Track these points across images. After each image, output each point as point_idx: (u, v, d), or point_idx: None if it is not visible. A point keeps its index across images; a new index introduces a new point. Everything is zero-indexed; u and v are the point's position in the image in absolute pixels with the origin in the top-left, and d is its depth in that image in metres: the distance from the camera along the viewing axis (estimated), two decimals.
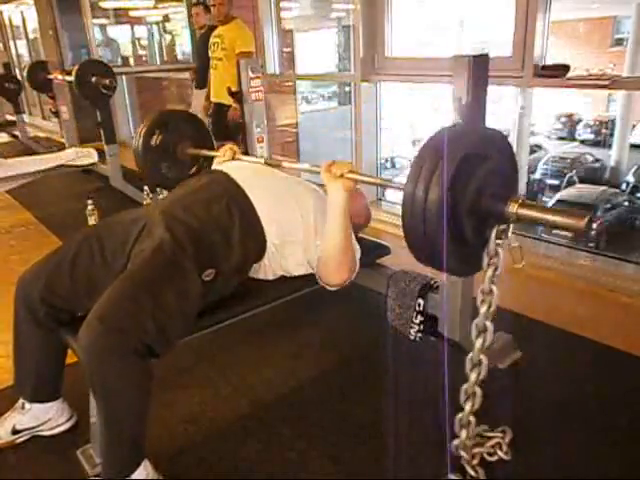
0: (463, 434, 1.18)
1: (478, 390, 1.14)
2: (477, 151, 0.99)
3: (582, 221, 0.93)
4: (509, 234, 1.03)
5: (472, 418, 1.17)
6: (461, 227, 1.00)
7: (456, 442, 1.23)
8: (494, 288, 1.08)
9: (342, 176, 1.42)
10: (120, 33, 7.85)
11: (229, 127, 3.46)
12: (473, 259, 1.07)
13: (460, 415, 1.17)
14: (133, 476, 1.23)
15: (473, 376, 1.13)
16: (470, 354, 1.12)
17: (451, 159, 0.95)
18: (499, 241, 1.04)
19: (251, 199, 1.49)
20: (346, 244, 1.47)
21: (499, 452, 1.34)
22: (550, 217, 0.98)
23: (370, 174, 1.44)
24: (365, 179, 1.48)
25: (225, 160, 1.83)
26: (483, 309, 1.09)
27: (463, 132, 1.05)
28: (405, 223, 1.01)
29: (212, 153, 2.05)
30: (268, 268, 1.54)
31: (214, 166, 1.84)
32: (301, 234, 1.53)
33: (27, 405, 1.49)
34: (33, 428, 1.51)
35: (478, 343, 1.10)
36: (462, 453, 1.20)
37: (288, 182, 1.67)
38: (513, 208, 0.99)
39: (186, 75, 4.83)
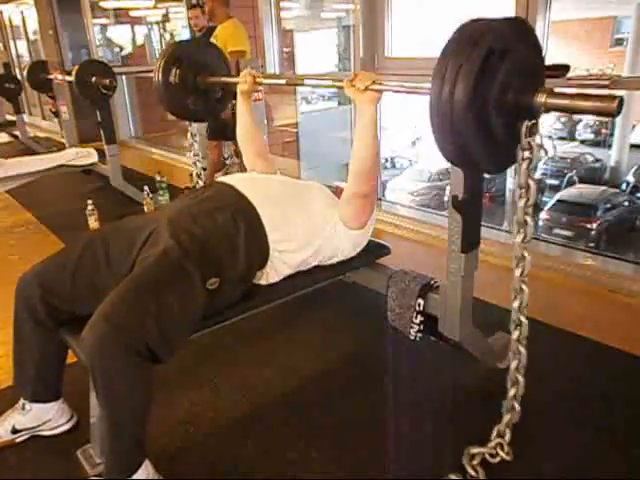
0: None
1: (525, 287, 1.22)
2: (502, 44, 0.98)
3: (613, 103, 0.93)
4: (539, 127, 1.04)
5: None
6: (490, 123, 0.99)
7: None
8: (531, 182, 1.10)
9: (367, 89, 1.43)
10: (120, 33, 7.85)
11: (226, 126, 3.47)
12: (505, 155, 1.08)
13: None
14: (135, 476, 1.24)
15: (518, 271, 1.20)
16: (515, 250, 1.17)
17: (476, 54, 0.94)
18: (530, 137, 1.04)
19: (257, 209, 1.50)
20: (375, 159, 1.51)
21: (501, 452, 1.34)
22: (580, 103, 0.97)
23: (393, 83, 1.44)
24: (390, 88, 1.47)
25: (247, 87, 1.86)
26: (521, 203, 1.12)
27: (486, 25, 1.02)
28: (434, 123, 1.00)
29: (232, 79, 2.05)
30: (270, 274, 1.54)
31: (220, 179, 1.84)
32: (308, 244, 1.54)
33: (27, 405, 1.49)
34: (33, 428, 1.51)
35: (519, 238, 1.16)
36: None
37: (293, 187, 1.68)
38: (542, 98, 0.98)
39: None
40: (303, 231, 1.55)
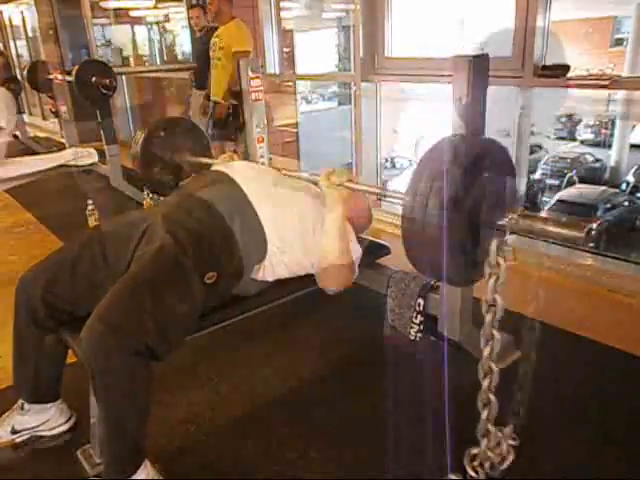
0: (483, 443, 1.19)
1: (492, 397, 1.15)
2: (476, 163, 0.99)
3: (581, 232, 0.94)
4: (509, 244, 1.04)
5: (491, 427, 1.18)
6: (460, 239, 1.00)
7: (475, 451, 1.24)
8: (498, 298, 1.08)
9: (341, 185, 1.44)
10: (120, 33, 7.85)
11: (227, 126, 3.47)
12: (473, 269, 1.08)
13: (479, 425, 1.18)
14: (134, 476, 1.24)
15: (485, 383, 1.14)
16: (480, 362, 1.14)
17: (450, 172, 0.95)
18: (500, 252, 1.04)
19: (252, 202, 1.49)
20: (342, 252, 1.48)
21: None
22: (549, 228, 0.98)
23: (369, 183, 1.46)
24: (363, 188, 1.49)
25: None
26: (488, 318, 1.09)
27: (462, 144, 1.05)
28: (405, 235, 1.01)
29: (210, 160, 2.07)
30: (268, 270, 1.54)
31: (214, 167, 1.83)
32: (300, 237, 1.53)
33: (26, 405, 1.49)
34: (32, 428, 1.51)
35: (486, 351, 1.11)
36: (485, 465, 1.22)
37: (288, 183, 1.67)
38: (512, 220, 0.99)
39: (186, 75, 4.83)
40: (297, 227, 1.54)
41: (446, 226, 0.95)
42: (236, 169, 1.63)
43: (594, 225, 8.71)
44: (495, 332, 1.11)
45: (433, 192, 0.95)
